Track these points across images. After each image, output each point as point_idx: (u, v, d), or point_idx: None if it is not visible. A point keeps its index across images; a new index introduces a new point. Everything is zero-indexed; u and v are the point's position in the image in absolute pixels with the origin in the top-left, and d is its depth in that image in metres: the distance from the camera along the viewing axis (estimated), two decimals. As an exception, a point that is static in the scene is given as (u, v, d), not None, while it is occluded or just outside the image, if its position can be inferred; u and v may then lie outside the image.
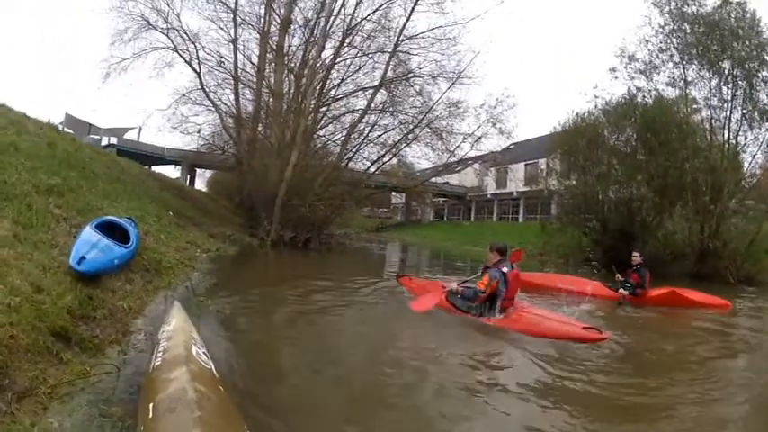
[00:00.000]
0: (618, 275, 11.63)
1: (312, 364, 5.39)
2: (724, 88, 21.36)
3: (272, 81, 22.61)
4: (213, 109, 22.47)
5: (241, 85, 22.49)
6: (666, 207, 22.51)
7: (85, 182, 11.79)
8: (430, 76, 23.38)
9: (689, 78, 22.16)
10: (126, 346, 4.85)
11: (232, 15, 22.14)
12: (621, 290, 11.02)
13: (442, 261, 25.90)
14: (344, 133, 23.51)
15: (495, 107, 24.29)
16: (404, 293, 9.64)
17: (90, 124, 40.00)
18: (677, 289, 11.14)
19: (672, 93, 22.97)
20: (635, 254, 11.59)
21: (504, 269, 7.78)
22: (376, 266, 19.99)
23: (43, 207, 7.76)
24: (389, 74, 22.94)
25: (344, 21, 22.31)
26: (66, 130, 22.62)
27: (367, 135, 23.81)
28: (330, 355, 5.82)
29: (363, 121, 23.25)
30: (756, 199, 22.28)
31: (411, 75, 23.41)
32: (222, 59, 22.19)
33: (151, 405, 2.53)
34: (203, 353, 3.55)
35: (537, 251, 28.94)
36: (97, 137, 39.80)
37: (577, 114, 26.81)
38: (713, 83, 21.60)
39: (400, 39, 22.68)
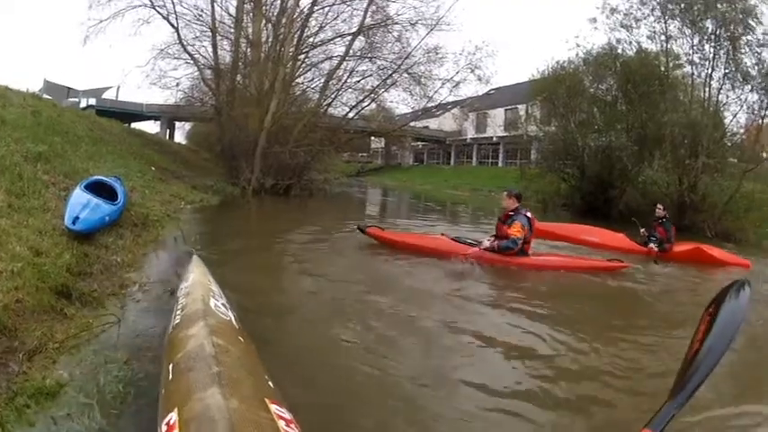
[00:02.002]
0: (642, 229, 11.50)
1: (316, 304, 5.71)
2: (706, 46, 21.45)
3: (251, 31, 22.49)
4: (192, 62, 22.24)
5: (219, 37, 22.29)
6: (646, 157, 22.80)
7: (70, 146, 12.13)
8: (409, 22, 23.31)
9: (670, 34, 22.25)
10: (124, 298, 5.00)
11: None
12: (652, 245, 10.76)
13: (423, 205, 26.21)
14: (323, 80, 23.55)
15: (473, 54, 24.34)
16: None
17: (68, 88, 39.61)
18: (701, 245, 11.13)
19: (652, 46, 23.10)
20: (659, 206, 11.46)
21: (528, 214, 8.06)
22: (357, 211, 20.45)
23: (32, 175, 7.99)
24: (368, 20, 22.87)
25: None
26: (45, 96, 22.41)
27: (345, 81, 23.86)
28: (335, 297, 5.96)
29: (342, 67, 23.30)
30: (739, 157, 22.58)
31: (389, 21, 23.34)
32: (200, 12, 21.93)
33: (171, 366, 2.47)
34: (222, 304, 3.47)
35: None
36: (76, 99, 39.43)
37: (557, 62, 26.88)
38: (695, 40, 21.67)
39: None
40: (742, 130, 22.94)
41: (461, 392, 3.68)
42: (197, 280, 3.98)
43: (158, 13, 21.31)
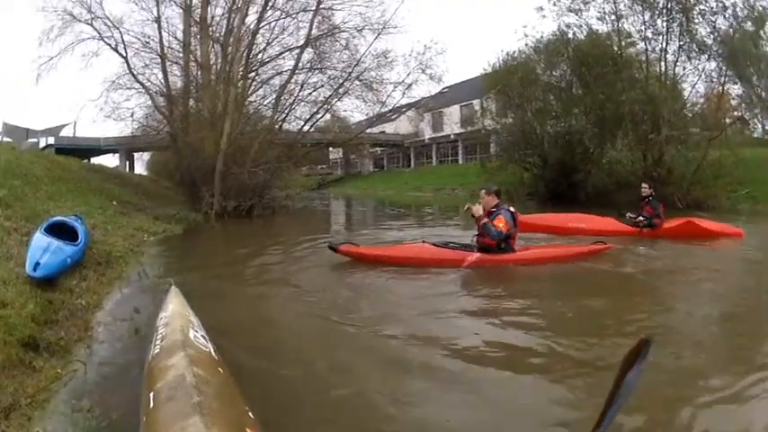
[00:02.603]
0: (629, 214, 11.63)
1: (293, 332, 5.63)
2: (658, 21, 21.86)
3: (199, 54, 22.29)
4: (143, 91, 22.03)
5: (168, 63, 22.14)
6: (607, 137, 23.07)
7: (29, 188, 11.90)
8: (355, 29, 23.34)
9: (620, 12, 22.66)
10: (90, 341, 4.93)
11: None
12: (644, 223, 11.03)
13: (388, 211, 26.18)
14: (275, 96, 23.38)
15: (423, 53, 24.30)
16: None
17: (27, 129, 39.18)
18: (693, 219, 11.33)
19: (603, 27, 23.50)
20: (644, 185, 11.57)
21: (511, 208, 8.01)
22: (322, 225, 20.56)
23: (-6, 222, 7.75)
24: (314, 31, 22.86)
25: None
26: (6, 139, 22.07)
27: (298, 95, 23.76)
28: (306, 323, 5.84)
29: (293, 81, 23.15)
30: (702, 126, 23.01)
31: (336, 30, 23.37)
32: (148, 40, 21.73)
33: (152, 395, 2.50)
34: (201, 336, 3.49)
35: (479, 190, 29.50)
36: (35, 139, 39.01)
37: (507, 54, 27.13)
38: (646, 16, 22.07)
39: None
40: (702, 100, 23.34)
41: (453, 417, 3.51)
42: (176, 311, 3.99)
43: (106, 44, 21.18)
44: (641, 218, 11.18)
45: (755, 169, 22.21)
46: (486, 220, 7.87)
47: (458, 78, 41.56)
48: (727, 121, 23.99)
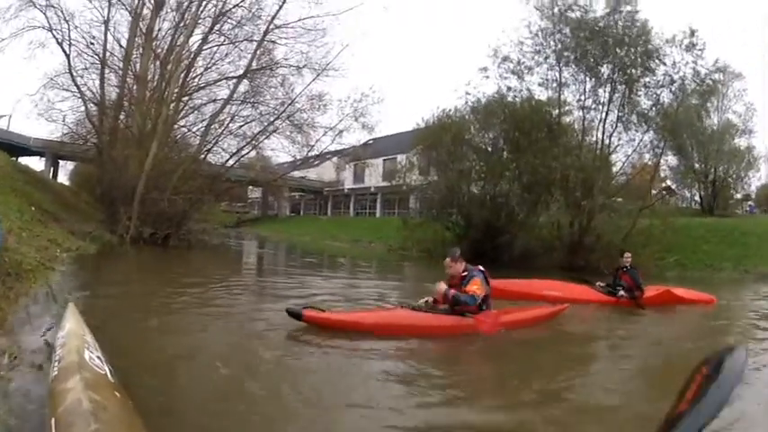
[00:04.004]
0: (598, 283, 11.33)
1: (193, 358, 5.39)
2: (600, 91, 22.30)
3: (138, 66, 21.52)
4: (78, 95, 21.11)
5: (108, 70, 21.37)
6: (539, 202, 23.23)
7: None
8: (296, 66, 23.09)
9: (563, 80, 23.06)
10: None
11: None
12: (622, 293, 10.70)
13: (300, 258, 25.52)
14: (205, 123, 22.81)
15: (359, 101, 24.29)
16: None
17: None
18: (670, 288, 11.33)
19: (544, 93, 23.77)
20: (627, 255, 11.31)
21: (481, 268, 7.39)
22: (236, 264, 19.69)
23: None
24: (254, 63, 22.53)
25: (216, 6, 21.68)
26: None
27: (227, 126, 23.30)
28: (213, 350, 5.67)
29: (225, 111, 22.69)
30: (625, 196, 23.63)
31: (277, 65, 23.12)
32: (92, 41, 20.95)
33: (53, 420, 2.39)
34: (97, 357, 3.37)
35: (398, 245, 29.37)
36: None
37: (443, 111, 27.18)
38: (588, 85, 22.54)
39: (270, 27, 22.36)
40: (634, 170, 23.96)
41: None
42: (72, 331, 3.90)
43: (54, 37, 20.33)
44: (620, 286, 10.83)
45: (684, 237, 23.39)
46: (453, 292, 7.02)
47: (384, 132, 41.60)
48: (654, 192, 24.68)
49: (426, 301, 7.41)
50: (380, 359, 5.78)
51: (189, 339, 6.10)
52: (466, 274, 7.19)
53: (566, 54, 22.54)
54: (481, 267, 7.39)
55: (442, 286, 7.13)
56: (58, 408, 2.51)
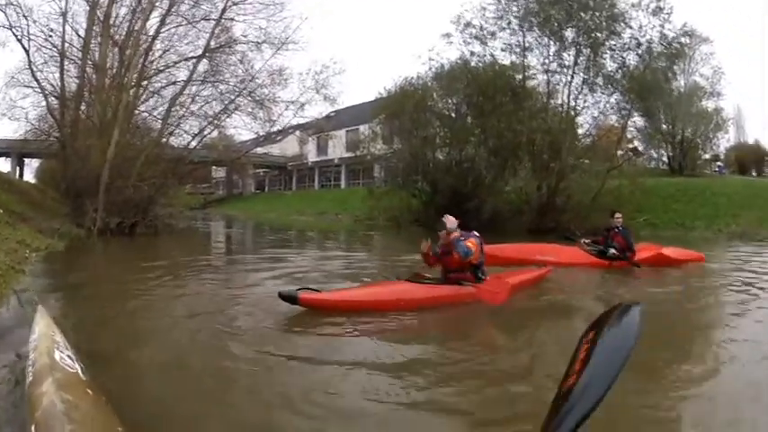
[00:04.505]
0: (583, 240, 11.39)
1: (169, 352, 5.11)
2: (565, 54, 22.33)
3: (97, 55, 20.95)
4: (39, 90, 20.58)
5: (67, 62, 20.69)
6: (503, 166, 23.25)
7: None
8: (255, 42, 22.80)
9: (527, 45, 23.13)
10: None
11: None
12: (613, 251, 10.70)
13: (269, 236, 25.43)
14: (166, 107, 22.38)
15: (320, 73, 24.01)
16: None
17: None
18: (661, 249, 11.37)
19: (507, 58, 23.86)
20: (618, 215, 11.24)
21: (476, 234, 7.20)
22: (205, 247, 19.48)
23: None
24: (213, 42, 22.17)
25: None
26: None
27: (188, 107, 22.90)
28: (187, 343, 5.42)
29: (185, 92, 22.35)
30: (592, 158, 23.84)
31: (236, 42, 22.84)
32: (51, 33, 20.27)
33: (33, 427, 2.38)
34: (68, 356, 3.33)
35: (364, 216, 29.33)
36: None
37: (405, 78, 26.99)
38: (552, 49, 22.69)
39: (228, 4, 21.97)
40: (602, 132, 24.15)
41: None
42: (42, 332, 3.83)
43: (14, 35, 19.77)
44: (612, 251, 10.78)
45: (654, 197, 24.00)
46: (455, 235, 6.95)
47: (346, 103, 41.25)
48: (620, 152, 24.89)
49: (416, 274, 7.24)
50: (387, 344, 5.37)
51: (162, 332, 5.91)
52: (463, 238, 6.98)
53: (529, 19, 22.51)
54: (476, 233, 7.21)
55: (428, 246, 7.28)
56: (35, 412, 2.51)
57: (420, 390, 4.15)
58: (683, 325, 6.66)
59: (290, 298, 6.14)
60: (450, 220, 7.08)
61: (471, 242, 6.90)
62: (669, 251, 11.47)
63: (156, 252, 15.99)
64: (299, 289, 6.33)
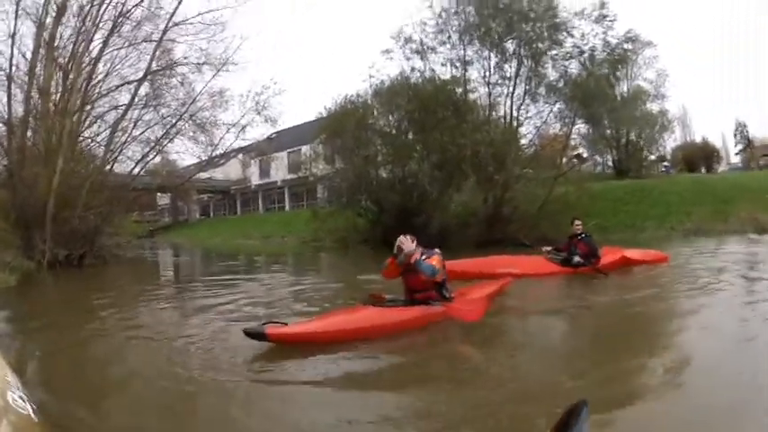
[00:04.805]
0: (545, 249, 11.43)
1: (126, 389, 5.02)
2: (506, 66, 22.62)
3: (42, 79, 20.44)
4: None
5: (14, 86, 20.14)
6: (448, 180, 23.31)
7: None
8: (195, 64, 22.65)
9: (468, 58, 23.31)
10: None
11: (15, 6, 19.67)
12: (578, 259, 10.69)
13: (217, 263, 24.98)
14: (109, 132, 22.02)
15: (261, 94, 24.09)
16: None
17: None
18: (624, 253, 11.53)
19: (448, 72, 23.92)
20: (577, 222, 11.25)
21: (437, 250, 7.01)
22: (154, 277, 18.90)
23: None
24: (154, 65, 21.95)
25: (116, 7, 20.94)
26: None
27: (131, 132, 22.60)
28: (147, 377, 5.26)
29: (127, 117, 22.08)
30: (536, 167, 24.03)
31: (176, 64, 22.65)
32: None
33: None
34: (19, 397, 2.85)
35: (310, 237, 29.11)
36: None
37: (346, 96, 26.88)
38: (493, 62, 22.93)
39: (169, 25, 21.79)
40: (546, 141, 24.52)
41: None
42: None
43: None
44: (577, 258, 10.79)
45: (602, 201, 24.49)
46: (416, 257, 6.64)
47: (287, 124, 40.98)
48: (564, 160, 25.25)
49: (373, 296, 6.96)
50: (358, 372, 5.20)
51: (115, 366, 5.75)
52: (425, 256, 6.75)
53: (469, 32, 22.79)
54: (437, 250, 7.03)
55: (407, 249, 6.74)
56: None
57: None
58: (649, 325, 6.91)
59: (256, 335, 5.75)
60: (407, 244, 6.74)
61: (435, 260, 6.74)
62: (632, 253, 11.71)
63: (105, 284, 15.66)
64: (264, 323, 5.91)
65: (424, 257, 6.70)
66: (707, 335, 5.88)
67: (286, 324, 5.98)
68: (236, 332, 6.17)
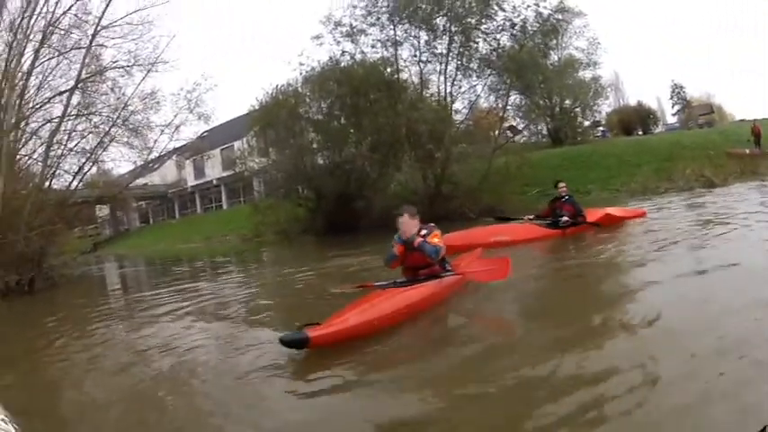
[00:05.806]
0: (527, 217, 11.60)
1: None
2: (437, 43, 22.99)
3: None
4: None
5: None
6: (386, 161, 23.20)
7: None
8: (125, 67, 21.93)
9: (398, 39, 23.44)
10: None
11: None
12: (566, 218, 10.98)
13: (162, 269, 24.86)
14: (45, 147, 21.23)
15: (192, 91, 23.32)
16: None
17: None
18: (608, 210, 12.07)
19: (379, 54, 24.14)
20: (561, 185, 11.56)
21: (433, 224, 6.80)
22: (107, 292, 18.72)
23: None
24: (84, 72, 21.27)
25: (45, 18, 20.20)
26: None
27: (66, 145, 21.92)
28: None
29: (62, 129, 21.34)
30: (473, 142, 24.54)
31: (105, 69, 21.98)
32: None
33: None
34: (1, 419, 2.72)
35: (251, 233, 28.81)
36: None
37: (277, 87, 26.46)
38: (423, 40, 23.10)
39: (97, 30, 21.01)
40: (472, 115, 24.67)
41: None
42: None
43: None
44: (565, 218, 11.11)
45: (543, 169, 24.27)
46: (419, 239, 6.39)
47: (219, 120, 40.24)
48: (496, 132, 25.35)
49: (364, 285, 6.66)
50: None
51: (86, 388, 5.46)
52: (424, 232, 6.55)
53: (398, 13, 22.86)
54: (432, 224, 6.82)
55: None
56: None
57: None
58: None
59: (299, 342, 4.87)
60: (409, 226, 6.47)
61: (436, 236, 6.54)
62: (614, 210, 12.42)
63: (60, 307, 15.10)
64: (301, 327, 5.08)
65: (425, 233, 6.52)
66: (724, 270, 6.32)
67: (319, 323, 5.16)
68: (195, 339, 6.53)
